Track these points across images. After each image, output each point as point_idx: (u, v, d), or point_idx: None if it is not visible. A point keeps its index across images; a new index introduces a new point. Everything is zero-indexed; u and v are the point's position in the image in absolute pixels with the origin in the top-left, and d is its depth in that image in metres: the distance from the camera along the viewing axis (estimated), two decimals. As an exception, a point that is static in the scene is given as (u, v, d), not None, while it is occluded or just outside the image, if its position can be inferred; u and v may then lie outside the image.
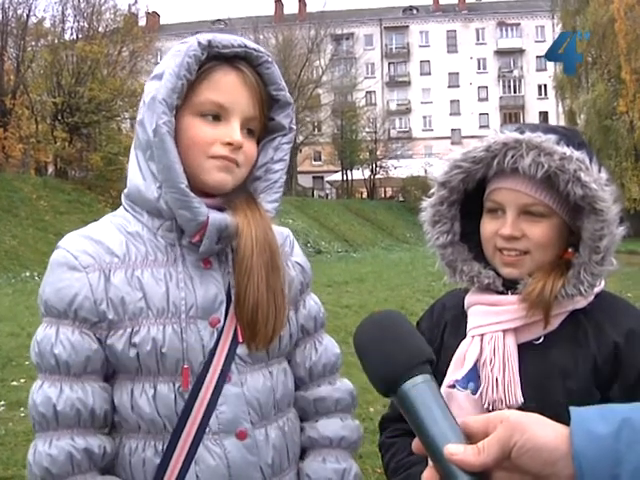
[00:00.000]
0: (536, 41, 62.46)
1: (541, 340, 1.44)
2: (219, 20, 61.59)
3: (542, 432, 0.72)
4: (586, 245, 1.39)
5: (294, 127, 1.47)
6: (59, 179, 26.04)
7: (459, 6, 67.54)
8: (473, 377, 1.44)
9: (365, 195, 51.05)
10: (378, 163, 50.21)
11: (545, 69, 58.30)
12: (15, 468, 4.51)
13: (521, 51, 64.61)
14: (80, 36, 29.05)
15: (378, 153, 50.63)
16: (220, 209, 1.37)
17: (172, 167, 1.29)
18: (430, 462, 0.77)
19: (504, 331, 1.44)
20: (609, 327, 1.43)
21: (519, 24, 64.97)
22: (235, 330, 1.37)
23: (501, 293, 1.49)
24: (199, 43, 1.31)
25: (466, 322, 1.52)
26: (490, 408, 1.39)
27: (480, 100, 64.61)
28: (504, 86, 65.25)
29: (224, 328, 1.36)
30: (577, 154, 1.37)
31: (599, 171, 1.38)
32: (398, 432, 1.58)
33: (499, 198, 1.45)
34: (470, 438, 0.76)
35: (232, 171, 1.35)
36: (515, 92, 65.08)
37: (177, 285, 1.34)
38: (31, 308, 10.49)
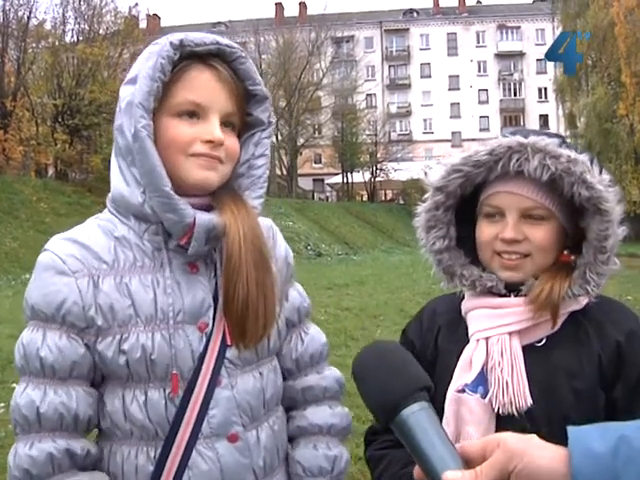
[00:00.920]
0: (536, 44, 62.50)
1: (543, 342, 1.45)
2: (220, 23, 61.65)
3: (540, 455, 0.73)
4: (591, 245, 1.40)
5: (273, 121, 1.46)
6: (59, 181, 26.04)
7: (459, 9, 67.62)
8: (481, 381, 1.43)
9: (365, 198, 51.07)
10: (378, 166, 50.26)
11: (545, 72, 58.41)
12: (15, 470, 4.51)
13: (521, 54, 64.65)
14: (81, 38, 29.06)
15: (378, 156, 50.70)
16: (207, 209, 1.36)
17: (154, 170, 1.28)
18: None
19: (509, 333, 1.44)
20: (610, 327, 1.44)
21: (519, 27, 65.03)
22: (224, 334, 1.36)
23: (502, 296, 1.48)
24: (171, 43, 1.30)
25: (463, 326, 1.52)
26: (500, 412, 1.40)
27: (480, 103, 64.66)
28: (504, 89, 65.30)
29: (212, 332, 1.36)
30: (582, 157, 1.39)
31: (600, 173, 1.39)
32: (387, 444, 1.55)
33: (498, 202, 1.45)
34: (468, 462, 0.77)
35: (215, 168, 1.34)
36: (515, 95, 65.12)
37: (164, 291, 1.33)
38: (31, 310, 10.47)
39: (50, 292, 1.30)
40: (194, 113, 1.33)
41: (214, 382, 1.35)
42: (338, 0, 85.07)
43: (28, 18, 27.96)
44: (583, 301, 1.46)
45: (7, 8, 27.13)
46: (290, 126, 44.05)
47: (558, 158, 1.37)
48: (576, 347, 1.43)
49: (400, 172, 47.12)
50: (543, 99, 62.96)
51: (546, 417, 1.39)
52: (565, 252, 1.48)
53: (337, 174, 51.66)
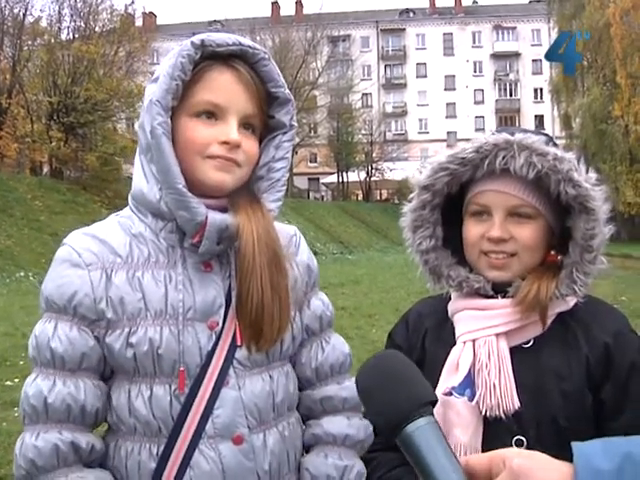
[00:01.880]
0: (532, 45, 62.65)
1: (531, 343, 1.45)
2: (216, 21, 61.53)
3: (546, 475, 0.73)
4: (577, 245, 1.40)
5: (295, 124, 1.45)
6: (54, 179, 25.92)
7: (456, 9, 67.65)
8: (468, 383, 1.43)
9: (360, 197, 51.10)
10: (374, 165, 50.29)
11: (541, 73, 58.51)
12: (8, 467, 4.49)
13: (517, 54, 64.72)
14: (77, 36, 28.93)
15: (374, 155, 50.72)
16: (224, 210, 1.36)
17: (169, 168, 1.29)
18: None
19: (497, 335, 1.43)
20: (597, 328, 1.44)
21: (515, 28, 65.10)
22: (234, 334, 1.36)
23: (489, 297, 1.48)
24: (192, 43, 1.31)
25: (450, 328, 1.51)
26: (487, 414, 1.39)
27: (476, 103, 64.69)
28: (500, 89, 65.36)
29: (223, 331, 1.36)
30: (568, 155, 1.39)
31: (587, 171, 1.40)
32: (377, 447, 1.54)
33: (485, 200, 1.45)
34: (473, 478, 0.77)
35: (231, 171, 1.34)
36: (511, 95, 65.19)
37: (175, 287, 1.33)
38: (26, 308, 10.46)
39: (63, 284, 1.32)
40: (212, 114, 1.33)
41: (221, 382, 1.34)
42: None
43: (24, 15, 27.86)
44: (571, 302, 1.46)
45: (2, 5, 27.04)
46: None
47: (544, 156, 1.37)
48: (564, 349, 1.43)
49: (395, 172, 47.10)
50: (539, 100, 63.01)
51: (534, 419, 1.39)
52: (552, 252, 1.47)
53: (332, 173, 51.64)
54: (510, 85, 65.31)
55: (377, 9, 69.65)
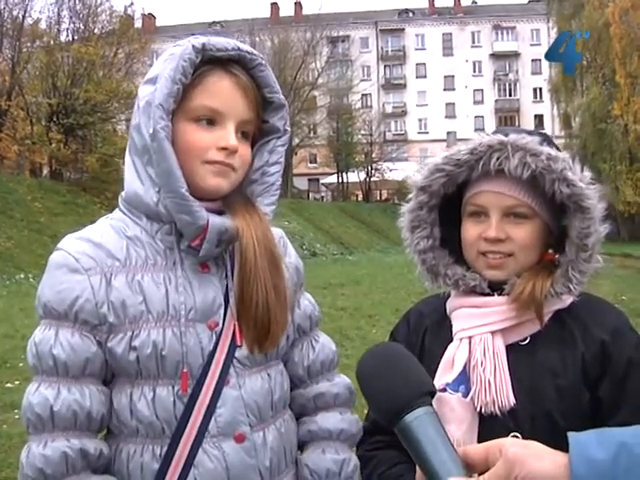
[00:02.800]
0: (531, 44, 62.68)
1: (527, 341, 1.46)
2: (215, 22, 61.58)
3: (541, 464, 0.74)
4: (573, 243, 1.41)
5: (289, 129, 1.46)
6: (54, 181, 25.95)
7: (455, 9, 67.70)
8: (463, 380, 1.44)
9: (360, 198, 51.09)
10: (374, 166, 50.28)
11: (540, 72, 58.54)
12: (9, 470, 4.50)
13: (516, 54, 64.76)
14: (76, 37, 28.96)
15: (374, 156, 50.72)
16: (219, 212, 1.36)
17: (172, 172, 1.29)
18: None
19: (492, 332, 1.44)
20: (594, 326, 1.45)
21: (514, 27, 65.14)
22: (233, 333, 1.37)
23: (486, 295, 1.49)
24: (193, 47, 1.30)
25: (449, 326, 1.53)
26: (482, 411, 1.40)
27: (475, 103, 64.73)
28: (499, 89, 65.40)
29: (222, 331, 1.36)
30: (562, 154, 1.40)
31: (582, 170, 1.40)
32: (378, 445, 1.56)
33: (481, 201, 1.46)
34: (471, 467, 0.79)
35: (228, 176, 1.35)
36: (510, 95, 65.22)
37: (176, 289, 1.34)
38: (25, 310, 10.45)
39: (63, 290, 1.30)
40: (211, 119, 1.34)
41: (222, 381, 1.35)
42: (333, 0, 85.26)
43: (23, 17, 27.91)
44: (568, 300, 1.47)
45: (2, 7, 27.10)
46: (285, 126, 43.91)
47: (538, 156, 1.38)
48: (560, 346, 1.44)
49: (395, 172, 47.08)
50: (538, 99, 63.04)
51: (529, 416, 1.40)
52: (550, 251, 1.48)
53: (332, 174, 51.65)
54: (509, 85, 65.34)
55: (376, 9, 69.69)
